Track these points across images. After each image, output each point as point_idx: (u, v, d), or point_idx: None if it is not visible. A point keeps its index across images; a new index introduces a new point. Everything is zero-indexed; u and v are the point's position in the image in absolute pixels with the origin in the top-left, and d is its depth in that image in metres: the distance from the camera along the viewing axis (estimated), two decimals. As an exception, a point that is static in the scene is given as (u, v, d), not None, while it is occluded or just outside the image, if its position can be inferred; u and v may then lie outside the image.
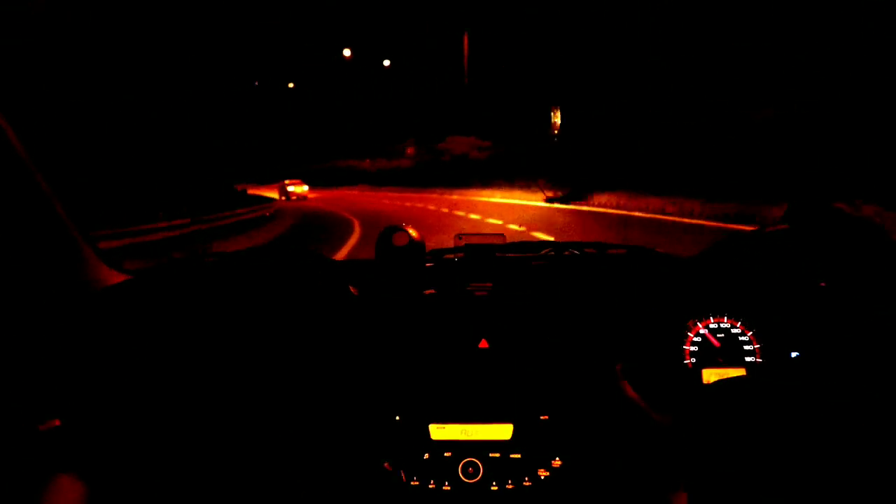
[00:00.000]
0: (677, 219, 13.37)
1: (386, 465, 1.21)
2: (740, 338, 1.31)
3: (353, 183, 44.70)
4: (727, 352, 1.30)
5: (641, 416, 1.00)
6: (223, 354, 1.30)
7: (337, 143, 54.36)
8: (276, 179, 43.92)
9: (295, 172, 44.63)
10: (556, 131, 25.09)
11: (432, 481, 1.20)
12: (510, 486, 1.20)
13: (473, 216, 15.95)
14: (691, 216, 13.53)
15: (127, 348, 1.30)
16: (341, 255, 9.14)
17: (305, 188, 32.60)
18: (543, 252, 1.66)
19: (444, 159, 41.22)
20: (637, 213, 15.07)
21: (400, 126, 49.84)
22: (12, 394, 1.21)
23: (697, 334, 1.32)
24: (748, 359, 1.30)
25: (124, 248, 8.92)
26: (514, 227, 12.17)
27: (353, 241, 11.40)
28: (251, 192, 27.51)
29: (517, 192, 24.69)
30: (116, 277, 1.48)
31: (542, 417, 1.23)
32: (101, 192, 10.61)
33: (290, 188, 31.54)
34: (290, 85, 56.25)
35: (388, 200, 26.44)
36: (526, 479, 1.20)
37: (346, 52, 59.10)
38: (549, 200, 19.86)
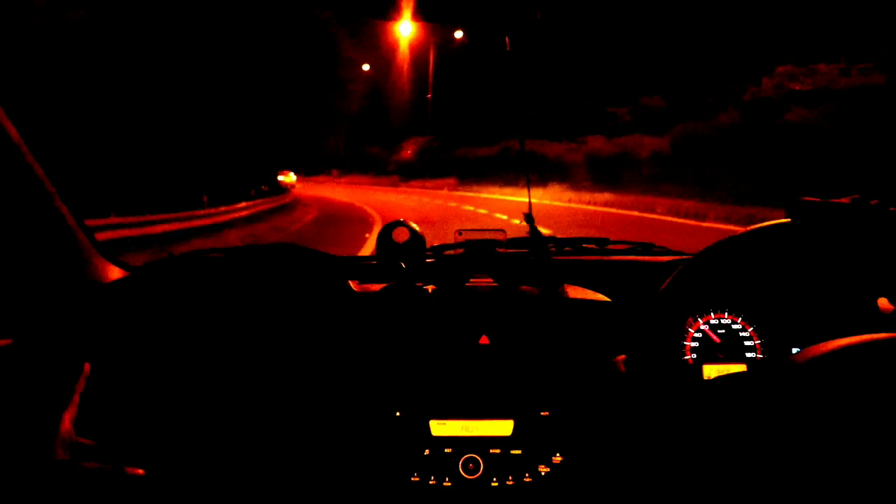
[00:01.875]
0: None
1: None
2: (741, 334, 1.31)
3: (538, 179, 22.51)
4: (728, 348, 1.30)
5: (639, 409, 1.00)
6: (224, 351, 1.31)
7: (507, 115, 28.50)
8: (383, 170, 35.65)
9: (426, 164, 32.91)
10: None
11: (432, 477, 1.20)
12: (510, 483, 1.20)
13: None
14: None
15: (129, 346, 1.30)
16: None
17: (293, 178, 35.11)
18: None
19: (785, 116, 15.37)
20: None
21: (635, 76, 23.14)
22: (14, 393, 1.21)
23: (698, 330, 1.32)
24: (749, 355, 1.30)
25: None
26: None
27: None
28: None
29: None
30: (118, 273, 1.48)
31: (542, 413, 1.23)
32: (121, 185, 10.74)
33: (280, 178, 34.82)
34: (458, 35, 34.37)
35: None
36: (527, 475, 1.20)
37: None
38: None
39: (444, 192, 27.25)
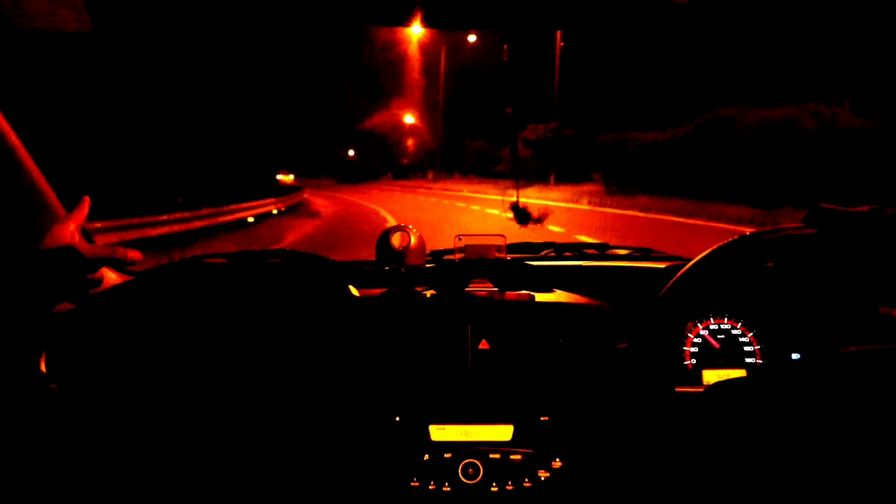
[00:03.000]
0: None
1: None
2: (741, 339, 1.31)
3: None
4: (727, 353, 1.30)
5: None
6: (224, 356, 1.30)
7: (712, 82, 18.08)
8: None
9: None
10: None
11: (432, 482, 1.20)
12: (510, 488, 1.19)
13: None
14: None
15: (128, 350, 1.29)
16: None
17: (291, 177, 35.82)
18: (543, 253, 1.66)
19: None
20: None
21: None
22: (11, 395, 1.20)
23: (697, 335, 1.32)
24: (748, 360, 1.30)
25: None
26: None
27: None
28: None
29: None
30: (118, 278, 1.48)
31: (542, 418, 1.23)
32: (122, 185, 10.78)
33: (279, 176, 35.40)
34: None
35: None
36: (526, 480, 1.20)
37: None
38: None
39: (586, 205, 17.06)
